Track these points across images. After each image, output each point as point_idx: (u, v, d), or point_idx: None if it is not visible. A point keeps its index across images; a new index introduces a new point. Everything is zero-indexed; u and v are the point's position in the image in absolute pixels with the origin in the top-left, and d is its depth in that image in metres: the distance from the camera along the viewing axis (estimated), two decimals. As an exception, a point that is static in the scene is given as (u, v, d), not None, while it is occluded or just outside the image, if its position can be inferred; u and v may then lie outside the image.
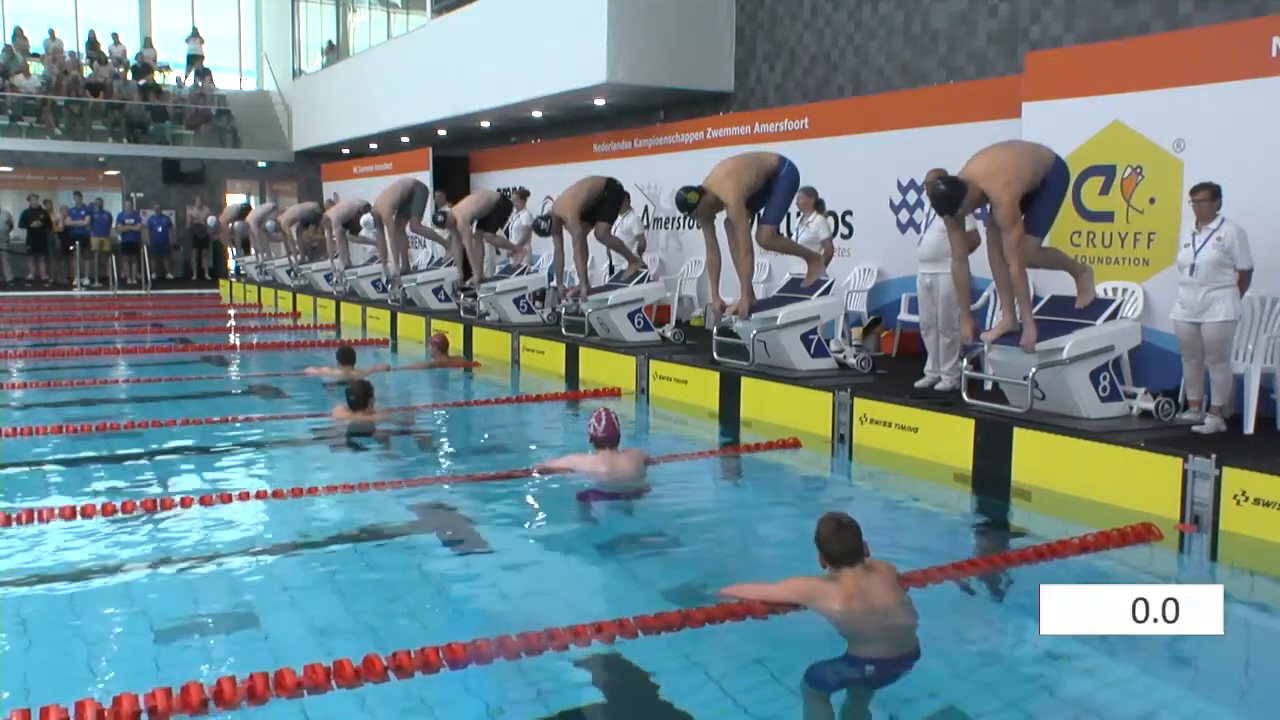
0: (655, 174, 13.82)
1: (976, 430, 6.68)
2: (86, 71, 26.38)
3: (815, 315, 8.58)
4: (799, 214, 10.09)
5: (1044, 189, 6.69)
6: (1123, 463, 5.92)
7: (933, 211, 7.29)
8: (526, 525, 5.89)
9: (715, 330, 9.12)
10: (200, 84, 27.68)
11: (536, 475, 6.55)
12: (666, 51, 14.04)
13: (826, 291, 8.67)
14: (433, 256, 16.55)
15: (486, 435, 8.40)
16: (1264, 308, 6.68)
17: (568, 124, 17.94)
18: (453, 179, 18.58)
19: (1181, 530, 5.57)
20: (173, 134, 26.37)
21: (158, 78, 27.48)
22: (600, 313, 10.61)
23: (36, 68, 25.93)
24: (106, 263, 22.01)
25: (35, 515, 5.41)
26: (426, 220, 14.81)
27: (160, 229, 23.99)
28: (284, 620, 4.32)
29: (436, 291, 14.41)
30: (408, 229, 15.08)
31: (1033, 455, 6.37)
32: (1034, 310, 6.76)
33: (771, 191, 8.57)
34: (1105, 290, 7.37)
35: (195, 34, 28.42)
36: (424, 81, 18.91)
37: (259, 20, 29.44)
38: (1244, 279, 6.34)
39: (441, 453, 7.81)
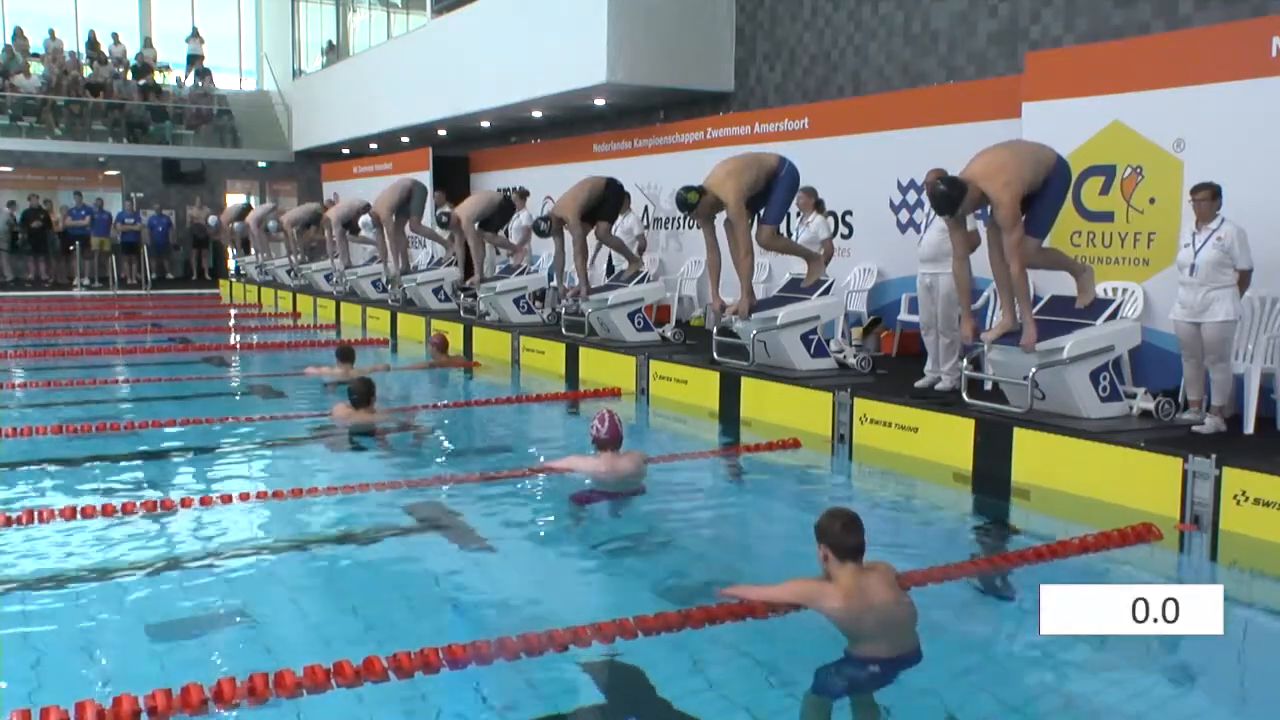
0: (655, 174, 13.82)
1: (976, 430, 6.68)
2: (86, 71, 26.37)
3: (815, 315, 8.59)
4: (799, 214, 10.09)
5: (1045, 189, 6.68)
6: (1123, 463, 5.92)
7: (933, 211, 7.28)
8: (526, 525, 5.88)
9: (715, 330, 9.12)
10: (200, 84, 27.68)
11: (537, 475, 6.54)
12: (666, 51, 14.04)
13: (826, 291, 8.68)
14: (433, 256, 16.54)
15: (486, 435, 8.40)
16: (1264, 308, 6.68)
17: (568, 124, 17.94)
18: (453, 179, 18.58)
19: (1181, 530, 5.58)
20: (173, 134, 26.38)
21: (158, 78, 27.48)
22: (600, 313, 10.61)
23: (36, 68, 25.93)
24: (106, 263, 22.01)
25: (35, 516, 5.41)
26: (429, 220, 14.80)
27: (160, 229, 24.00)
28: (284, 620, 4.33)
29: (436, 291, 14.40)
30: (407, 229, 15.09)
31: (1033, 455, 6.38)
32: (1034, 310, 6.76)
33: (771, 191, 8.57)
34: (1105, 290, 7.37)
35: (195, 34, 28.42)
36: (424, 81, 18.91)
37: (259, 20, 29.45)
38: (1244, 279, 6.34)
39: (441, 453, 7.80)
